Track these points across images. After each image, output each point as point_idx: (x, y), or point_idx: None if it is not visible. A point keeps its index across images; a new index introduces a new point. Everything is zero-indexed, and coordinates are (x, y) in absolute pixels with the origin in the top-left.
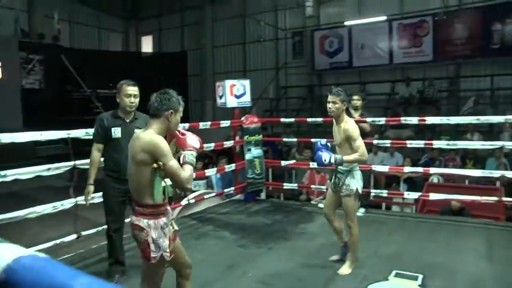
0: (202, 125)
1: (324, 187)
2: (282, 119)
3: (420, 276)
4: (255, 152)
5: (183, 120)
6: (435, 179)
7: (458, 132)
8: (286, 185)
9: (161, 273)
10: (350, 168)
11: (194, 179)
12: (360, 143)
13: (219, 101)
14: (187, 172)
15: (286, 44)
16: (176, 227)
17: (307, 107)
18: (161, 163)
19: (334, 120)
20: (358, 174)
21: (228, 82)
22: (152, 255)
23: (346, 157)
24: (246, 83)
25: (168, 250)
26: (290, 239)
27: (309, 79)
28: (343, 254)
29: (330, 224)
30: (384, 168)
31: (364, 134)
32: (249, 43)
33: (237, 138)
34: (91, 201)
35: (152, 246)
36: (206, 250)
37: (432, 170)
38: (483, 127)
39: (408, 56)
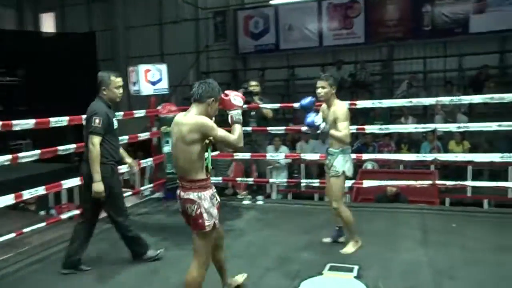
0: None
1: (251, 179)
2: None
3: (356, 267)
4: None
5: None
6: (369, 166)
7: (392, 116)
8: (211, 180)
9: (212, 240)
10: (340, 150)
11: None
12: (345, 125)
13: (133, 88)
14: (236, 132)
15: (207, 25)
16: (218, 199)
17: None
18: (211, 137)
19: (325, 104)
20: (347, 157)
21: (142, 67)
22: (206, 223)
23: (331, 131)
24: (163, 68)
25: (217, 218)
26: None
27: (232, 63)
28: (336, 236)
29: (330, 206)
30: (316, 156)
31: (265, 119)
32: (166, 23)
33: (154, 129)
34: None
35: (205, 216)
36: (124, 256)
37: (365, 156)
38: (417, 111)
39: (339, 38)
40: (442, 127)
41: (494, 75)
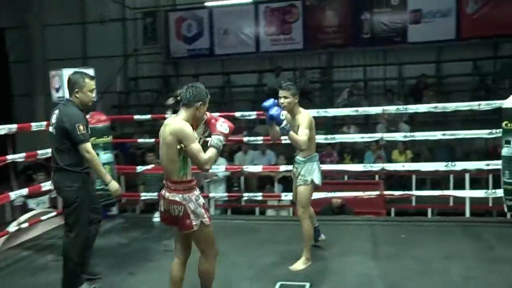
0: (34, 126)
1: None
2: (136, 116)
3: (307, 284)
4: (104, 157)
5: (6, 120)
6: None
7: (334, 125)
8: (144, 196)
9: (210, 233)
10: (307, 157)
11: (36, 196)
12: (306, 131)
13: (56, 95)
14: (207, 154)
15: (136, 26)
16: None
17: (162, 102)
18: (183, 145)
19: (288, 113)
20: (315, 165)
21: (67, 72)
22: (194, 223)
23: (291, 132)
24: (90, 72)
25: (206, 216)
26: (153, 259)
27: (163, 68)
28: (315, 237)
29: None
30: (257, 168)
31: None
32: (89, 23)
33: None
34: None
35: (192, 216)
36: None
37: None
38: (358, 120)
39: (276, 43)
40: (388, 136)
41: (431, 84)
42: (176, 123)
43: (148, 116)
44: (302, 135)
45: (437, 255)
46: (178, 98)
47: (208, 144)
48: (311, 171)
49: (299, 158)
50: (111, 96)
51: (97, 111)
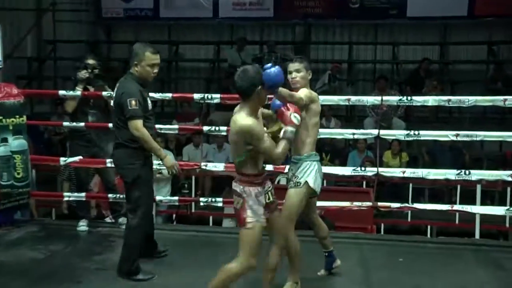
0: None
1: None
2: (61, 92)
3: None
4: (15, 143)
5: None
6: (283, 180)
7: None
8: (68, 196)
9: (257, 240)
10: (306, 155)
11: None
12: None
13: None
14: (280, 148)
15: None
16: (272, 199)
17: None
18: (251, 146)
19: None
20: (314, 166)
21: None
22: (248, 220)
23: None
24: None
25: (263, 217)
26: (82, 280)
27: (91, 31)
28: (329, 264)
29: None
30: (218, 167)
31: (109, 111)
32: None
33: None
34: None
35: (248, 212)
36: None
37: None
38: (340, 111)
39: (240, 9)
40: (386, 134)
41: (434, 71)
42: (242, 121)
43: (78, 92)
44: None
45: (446, 286)
46: (95, 70)
47: (281, 136)
48: (307, 172)
49: (296, 156)
50: (19, 63)
51: (8, 81)
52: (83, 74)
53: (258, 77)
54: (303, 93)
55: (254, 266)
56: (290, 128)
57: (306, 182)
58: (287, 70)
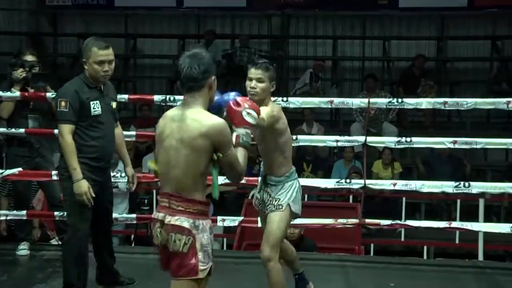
0: None
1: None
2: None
3: None
4: None
5: None
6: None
7: (289, 121)
8: (5, 215)
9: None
10: (286, 176)
11: None
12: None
13: None
14: (241, 159)
15: None
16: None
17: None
18: (220, 154)
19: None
20: (294, 186)
21: None
22: (201, 267)
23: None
24: None
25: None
26: None
27: (34, 21)
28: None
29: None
30: None
31: (53, 114)
32: None
33: None
34: None
35: (200, 256)
36: None
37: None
38: (323, 115)
39: None
40: (375, 141)
41: (430, 69)
42: (208, 119)
43: (16, 93)
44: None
45: None
46: (34, 68)
47: (234, 142)
48: (288, 192)
49: (274, 178)
50: None
51: None
52: (19, 73)
53: (212, 67)
54: (265, 112)
55: None
56: (244, 131)
57: (288, 204)
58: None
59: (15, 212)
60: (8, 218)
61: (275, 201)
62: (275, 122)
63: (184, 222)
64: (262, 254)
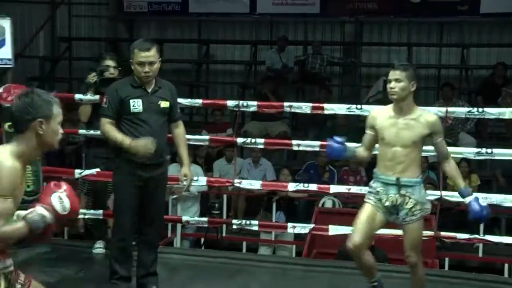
0: None
1: None
2: (78, 96)
3: None
4: None
5: None
6: (328, 203)
7: (358, 129)
8: (83, 213)
9: None
10: (420, 178)
11: None
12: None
13: None
14: (5, 227)
15: None
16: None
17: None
18: None
19: (391, 111)
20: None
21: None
22: None
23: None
24: (6, 24)
25: None
26: None
27: (112, 27)
28: None
29: (356, 259)
30: (255, 184)
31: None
32: None
33: None
34: None
35: None
36: None
37: (335, 188)
38: None
39: (281, 3)
40: (453, 151)
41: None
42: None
43: (96, 97)
44: (446, 148)
45: None
46: (104, 73)
47: (23, 216)
48: (425, 197)
49: (407, 179)
50: (30, 63)
51: (16, 83)
52: (91, 78)
53: (42, 108)
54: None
55: None
56: (43, 212)
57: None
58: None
59: (92, 211)
60: (86, 216)
61: (421, 205)
62: (370, 128)
63: None
64: (409, 260)
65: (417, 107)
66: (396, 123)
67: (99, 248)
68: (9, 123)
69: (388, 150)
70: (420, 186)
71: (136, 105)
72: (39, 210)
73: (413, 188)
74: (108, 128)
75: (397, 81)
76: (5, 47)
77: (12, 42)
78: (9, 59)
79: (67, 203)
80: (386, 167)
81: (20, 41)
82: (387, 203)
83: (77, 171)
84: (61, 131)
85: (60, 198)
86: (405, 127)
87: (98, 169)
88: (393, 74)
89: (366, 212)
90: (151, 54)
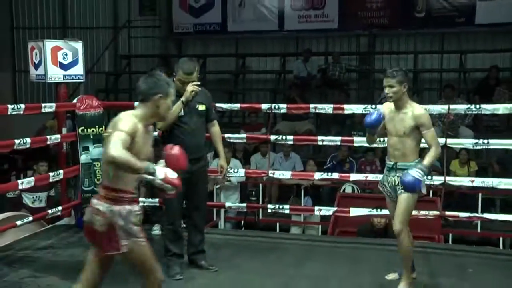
0: (11, 109)
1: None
2: (137, 103)
3: None
4: (95, 152)
5: None
6: (348, 189)
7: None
8: (143, 202)
9: (148, 255)
10: (417, 160)
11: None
12: (434, 133)
13: (34, 73)
14: (126, 153)
15: None
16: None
17: None
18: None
19: (393, 106)
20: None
21: (50, 44)
22: (122, 243)
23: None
24: (79, 46)
25: (141, 235)
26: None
27: (163, 46)
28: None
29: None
30: (286, 175)
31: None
32: None
33: (64, 130)
34: None
35: (121, 233)
36: None
37: (354, 176)
38: None
39: (305, 21)
40: (453, 143)
41: (505, 79)
42: (120, 115)
43: None
44: (433, 140)
45: None
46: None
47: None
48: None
49: (404, 163)
50: (98, 77)
51: (88, 94)
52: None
53: (162, 88)
54: (432, 131)
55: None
56: (159, 169)
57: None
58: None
59: (150, 199)
60: (145, 204)
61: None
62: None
63: (101, 206)
64: (394, 228)
65: (412, 103)
66: (394, 117)
67: (156, 230)
68: (82, 128)
69: (389, 139)
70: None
71: (182, 113)
72: (159, 168)
73: (407, 170)
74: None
75: (390, 87)
76: (78, 65)
77: (83, 61)
78: (81, 75)
79: (175, 178)
80: (389, 154)
81: (90, 59)
82: (388, 185)
83: None
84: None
85: (175, 164)
86: (399, 120)
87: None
88: (386, 81)
89: (388, 204)
90: (192, 77)
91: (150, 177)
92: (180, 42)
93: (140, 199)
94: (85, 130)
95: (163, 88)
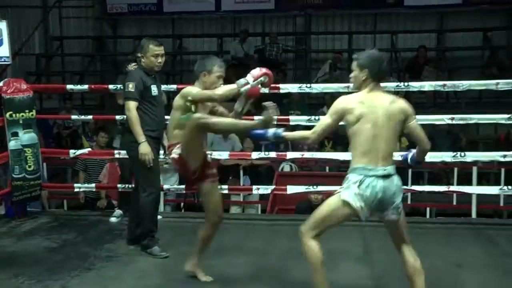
0: None
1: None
2: (69, 86)
3: None
4: (25, 137)
5: None
6: (287, 167)
7: (310, 105)
8: (78, 187)
9: None
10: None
11: None
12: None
13: None
14: (221, 88)
15: None
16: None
17: (96, 69)
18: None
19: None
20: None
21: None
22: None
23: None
24: (3, 26)
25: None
26: (94, 267)
27: (98, 27)
28: None
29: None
30: (223, 155)
31: None
32: None
33: None
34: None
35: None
36: None
37: (291, 154)
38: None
39: (242, 1)
40: None
41: (432, 58)
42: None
43: (85, 87)
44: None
45: (450, 264)
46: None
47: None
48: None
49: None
50: (27, 60)
51: (17, 77)
52: (131, 66)
53: (204, 66)
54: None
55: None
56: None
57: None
58: None
59: (86, 185)
60: (81, 190)
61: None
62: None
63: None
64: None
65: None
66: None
67: (114, 218)
68: (10, 112)
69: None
70: None
71: (154, 90)
72: (250, 79)
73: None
74: (135, 115)
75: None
76: (3, 46)
77: (9, 42)
78: (7, 57)
79: (262, 71)
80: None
81: (17, 40)
82: None
83: (71, 151)
84: (220, 82)
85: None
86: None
87: (89, 149)
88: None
89: None
90: (162, 48)
91: (244, 87)
92: (115, 23)
93: (79, 185)
94: (14, 115)
95: (205, 66)
